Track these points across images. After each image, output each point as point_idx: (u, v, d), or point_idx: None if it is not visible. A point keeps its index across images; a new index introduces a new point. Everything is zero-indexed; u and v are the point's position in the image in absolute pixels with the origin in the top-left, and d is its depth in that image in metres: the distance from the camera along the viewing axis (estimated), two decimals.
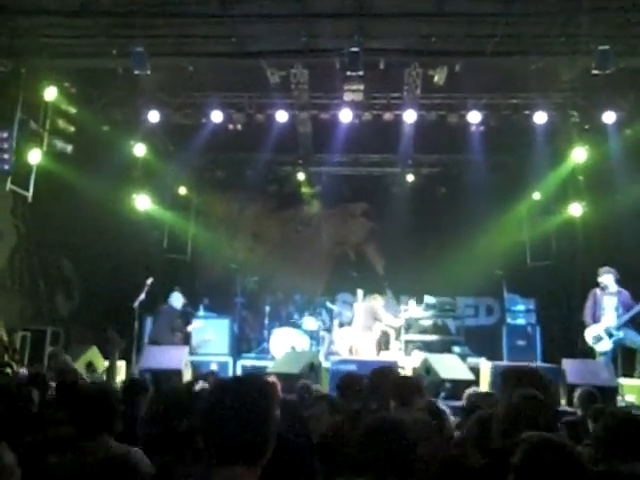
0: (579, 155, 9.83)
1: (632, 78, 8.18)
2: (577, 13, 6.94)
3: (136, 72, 7.53)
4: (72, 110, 8.91)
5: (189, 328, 9.49)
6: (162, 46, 7.67)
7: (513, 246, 11.46)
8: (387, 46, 7.72)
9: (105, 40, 7.46)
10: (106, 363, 7.86)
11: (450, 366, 7.65)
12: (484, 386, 7.39)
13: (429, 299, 9.99)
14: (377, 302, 9.58)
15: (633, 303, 7.61)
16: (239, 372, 9.40)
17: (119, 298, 9.47)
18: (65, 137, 8.92)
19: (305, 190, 12.51)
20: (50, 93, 8.23)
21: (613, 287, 7.78)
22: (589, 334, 7.85)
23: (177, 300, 9.32)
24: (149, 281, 8.65)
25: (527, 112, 9.43)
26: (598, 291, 7.89)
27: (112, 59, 7.71)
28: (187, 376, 7.57)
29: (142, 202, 10.71)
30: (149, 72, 7.53)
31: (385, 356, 9.26)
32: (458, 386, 6.81)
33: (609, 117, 8.97)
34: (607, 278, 7.78)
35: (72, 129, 9.04)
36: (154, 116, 9.60)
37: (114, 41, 7.46)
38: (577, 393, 5.21)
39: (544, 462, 1.96)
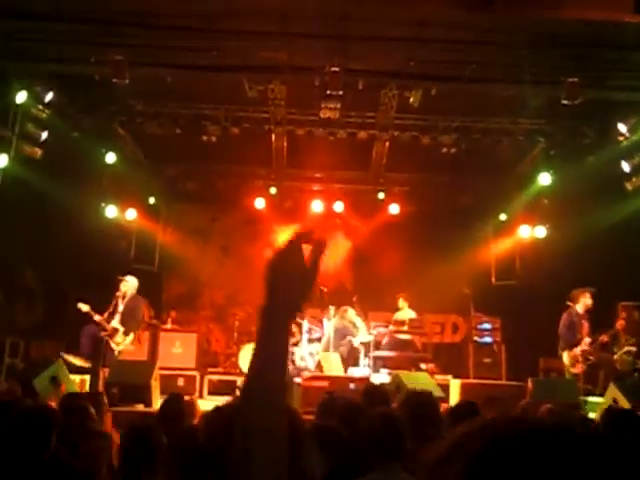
0: (544, 179, 10.20)
1: (597, 108, 8.57)
2: (546, 46, 7.25)
3: (114, 80, 7.43)
4: (43, 115, 8.68)
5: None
6: (142, 56, 7.60)
7: (479, 265, 11.74)
8: (367, 68, 7.86)
9: (83, 47, 7.34)
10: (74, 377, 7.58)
11: (421, 383, 7.71)
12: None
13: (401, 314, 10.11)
14: (348, 316, 9.54)
15: None
16: (206, 387, 9.31)
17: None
18: (34, 142, 8.68)
19: (276, 204, 12.49)
20: (21, 97, 8.02)
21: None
22: (568, 357, 8.09)
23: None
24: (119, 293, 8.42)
25: (496, 136, 9.77)
26: (576, 313, 8.09)
27: (89, 66, 7.58)
28: (157, 392, 7.38)
29: (111, 211, 10.49)
30: (127, 81, 7.45)
31: (354, 372, 9.29)
32: None
33: (574, 144, 9.38)
34: (589, 302, 8.03)
35: (42, 134, 8.80)
36: (126, 124, 9.46)
37: (93, 48, 7.35)
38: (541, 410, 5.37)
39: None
